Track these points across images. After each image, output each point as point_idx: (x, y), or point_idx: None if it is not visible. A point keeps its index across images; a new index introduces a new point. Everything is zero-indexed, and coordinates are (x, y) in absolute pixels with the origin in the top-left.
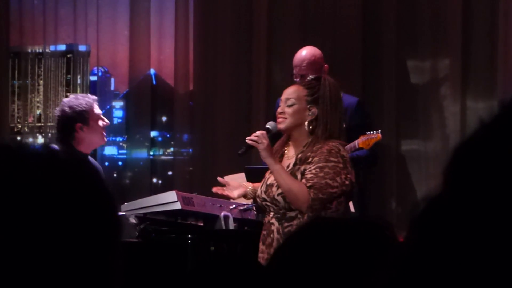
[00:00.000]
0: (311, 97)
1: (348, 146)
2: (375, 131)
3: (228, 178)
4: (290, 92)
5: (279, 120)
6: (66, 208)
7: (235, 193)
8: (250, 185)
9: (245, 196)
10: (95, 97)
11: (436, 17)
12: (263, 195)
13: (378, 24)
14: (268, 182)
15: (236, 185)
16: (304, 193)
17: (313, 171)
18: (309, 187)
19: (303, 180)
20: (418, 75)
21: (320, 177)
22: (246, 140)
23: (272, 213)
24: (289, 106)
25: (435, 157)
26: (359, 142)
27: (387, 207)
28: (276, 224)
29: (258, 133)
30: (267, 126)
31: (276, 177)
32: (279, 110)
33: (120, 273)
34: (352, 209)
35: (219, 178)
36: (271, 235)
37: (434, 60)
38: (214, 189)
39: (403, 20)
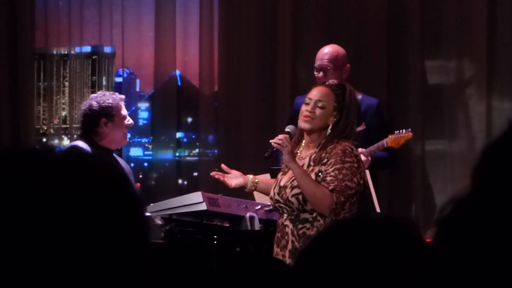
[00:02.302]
0: (337, 104)
1: (376, 145)
2: (404, 130)
3: None
4: (323, 95)
5: (306, 118)
6: (92, 211)
7: (233, 182)
8: (252, 178)
9: (244, 187)
10: (122, 96)
11: (461, 17)
12: (276, 197)
13: (402, 24)
14: (281, 184)
15: (237, 174)
16: (327, 197)
17: (332, 174)
18: (331, 191)
19: (323, 183)
20: (443, 75)
21: (340, 180)
22: (271, 142)
23: (285, 215)
24: (321, 108)
25: (461, 157)
26: (388, 141)
27: (413, 208)
28: (290, 226)
29: (281, 136)
30: (287, 130)
31: (299, 181)
32: (308, 108)
33: (147, 274)
34: (378, 209)
35: (222, 165)
36: (286, 237)
37: (459, 60)
38: (213, 173)
39: (428, 20)
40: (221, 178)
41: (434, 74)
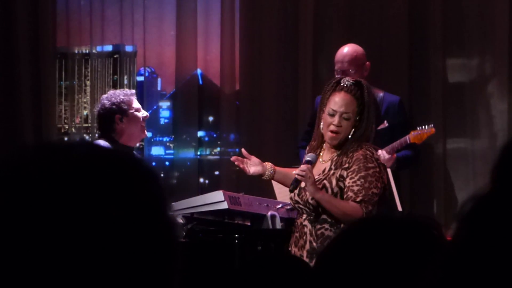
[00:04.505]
0: (358, 108)
1: (399, 142)
2: (427, 126)
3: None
4: (346, 105)
5: (334, 135)
6: (113, 208)
7: (251, 169)
8: (270, 166)
9: (262, 175)
10: (133, 91)
11: (483, 14)
12: (296, 198)
13: (424, 22)
14: (302, 185)
15: (256, 161)
16: (357, 211)
17: (358, 183)
18: (360, 202)
19: (350, 193)
20: (464, 73)
21: (367, 188)
22: (294, 173)
23: (304, 215)
24: (346, 119)
25: (482, 155)
26: (411, 137)
27: (434, 206)
28: (309, 226)
29: (304, 167)
30: (308, 158)
31: (328, 207)
32: (334, 122)
33: (177, 273)
34: (400, 208)
35: (243, 150)
36: (304, 237)
37: (481, 58)
38: (233, 158)
39: (450, 18)
40: (240, 165)
41: (455, 72)
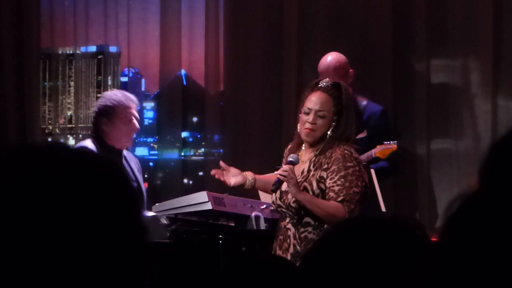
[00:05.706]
0: (335, 108)
1: (365, 155)
2: (391, 141)
3: None
4: (322, 103)
5: (308, 131)
6: (84, 212)
7: (232, 181)
8: (251, 175)
9: (243, 185)
10: (132, 98)
11: (466, 15)
12: (278, 202)
13: (408, 23)
14: (283, 189)
15: (236, 172)
16: (340, 211)
17: (339, 182)
18: (342, 201)
19: (331, 193)
20: (448, 74)
21: (348, 187)
22: (276, 174)
23: (288, 219)
24: (321, 117)
25: (467, 156)
26: (376, 151)
27: (418, 206)
28: (292, 229)
29: (286, 167)
30: (291, 159)
31: (310, 207)
32: (309, 120)
33: (145, 275)
34: (383, 209)
35: (221, 162)
36: (288, 240)
37: (465, 59)
38: (213, 172)
39: (434, 19)
40: (221, 178)
41: (439, 73)
